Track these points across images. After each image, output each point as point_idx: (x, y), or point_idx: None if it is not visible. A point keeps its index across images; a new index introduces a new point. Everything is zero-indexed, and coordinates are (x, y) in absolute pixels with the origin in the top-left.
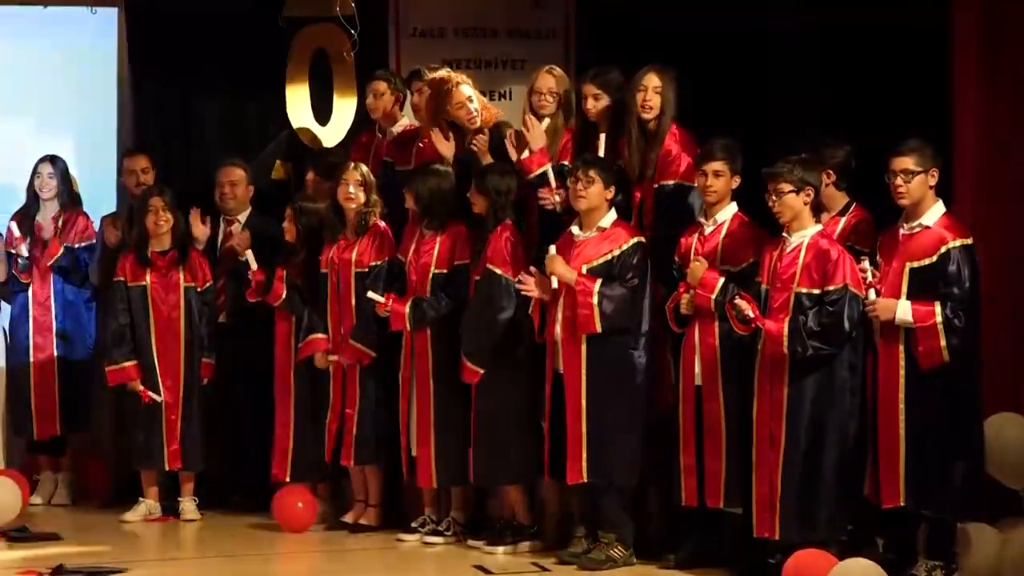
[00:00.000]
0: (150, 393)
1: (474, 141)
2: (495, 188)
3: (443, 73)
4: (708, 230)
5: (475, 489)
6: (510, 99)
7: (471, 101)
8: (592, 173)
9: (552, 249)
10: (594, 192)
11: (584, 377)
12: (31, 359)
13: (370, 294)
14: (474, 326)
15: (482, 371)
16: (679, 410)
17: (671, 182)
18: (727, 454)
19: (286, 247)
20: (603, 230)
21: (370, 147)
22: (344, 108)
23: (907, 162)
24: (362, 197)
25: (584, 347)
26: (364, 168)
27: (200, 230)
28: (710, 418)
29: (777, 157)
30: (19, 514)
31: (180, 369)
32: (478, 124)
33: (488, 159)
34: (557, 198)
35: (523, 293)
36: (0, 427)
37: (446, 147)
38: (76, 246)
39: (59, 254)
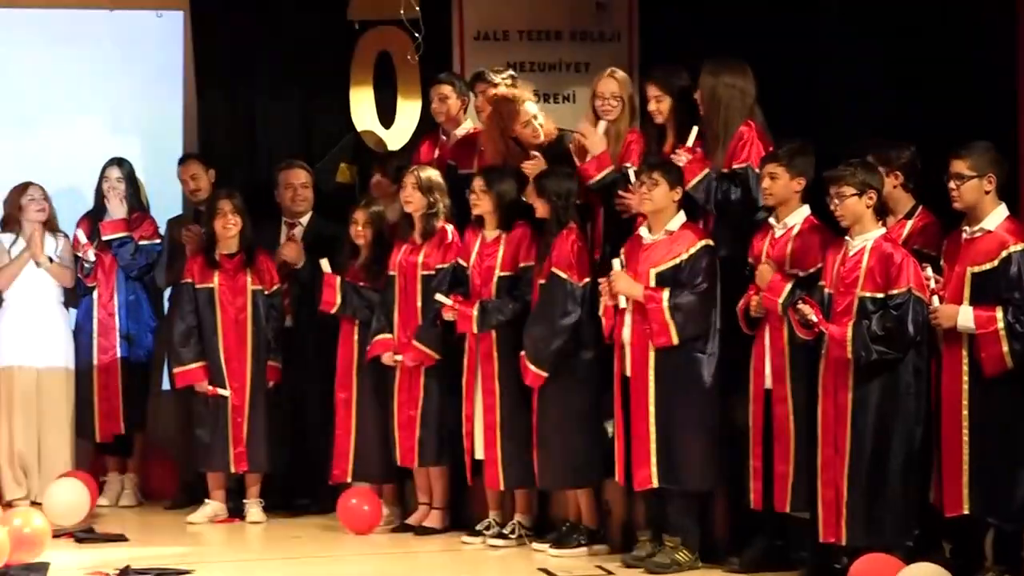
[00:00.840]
0: (218, 389)
1: (527, 167)
2: (555, 192)
3: (506, 91)
4: (778, 233)
5: (539, 492)
6: (574, 102)
7: (536, 118)
8: (656, 175)
9: (616, 264)
10: (659, 194)
11: (652, 381)
12: (95, 361)
13: (438, 296)
14: (538, 330)
15: (545, 375)
16: (748, 413)
17: (742, 165)
18: (795, 458)
19: (349, 249)
20: (671, 233)
21: (434, 150)
22: (408, 111)
23: (961, 166)
24: (420, 200)
25: (652, 351)
26: (426, 171)
27: (294, 252)
28: (779, 422)
29: (843, 159)
30: (87, 515)
31: (246, 371)
32: (542, 140)
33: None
34: (635, 198)
35: (601, 297)
36: (69, 429)
37: (599, 142)
38: (144, 244)
39: (126, 248)
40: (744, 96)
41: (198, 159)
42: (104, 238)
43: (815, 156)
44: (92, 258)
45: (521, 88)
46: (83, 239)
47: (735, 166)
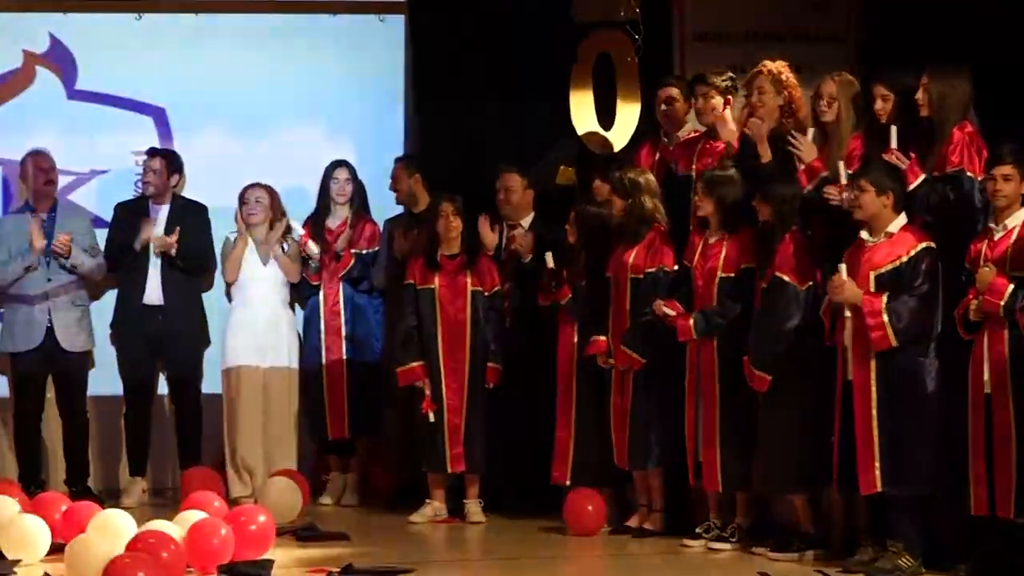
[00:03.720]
0: (430, 407)
1: (750, 124)
2: (779, 196)
3: (767, 63)
4: (998, 235)
5: (759, 495)
6: None
7: (760, 92)
8: (863, 182)
9: (843, 270)
10: (866, 200)
11: (874, 386)
12: (322, 361)
13: (661, 305)
14: (762, 335)
15: (769, 379)
16: (968, 418)
17: (955, 168)
18: (1019, 464)
19: (569, 251)
20: (891, 235)
21: (654, 152)
22: (628, 113)
23: None
24: (618, 202)
25: (874, 355)
26: (630, 174)
27: (489, 237)
28: (1000, 427)
29: None
30: (299, 513)
31: (465, 372)
32: (755, 116)
33: (764, 147)
34: (845, 194)
35: (831, 295)
36: (293, 429)
37: (810, 150)
38: (364, 252)
39: (350, 265)
40: (961, 99)
41: (401, 162)
42: (340, 276)
43: None
44: (316, 251)
45: (784, 69)
46: (301, 233)
47: (948, 170)
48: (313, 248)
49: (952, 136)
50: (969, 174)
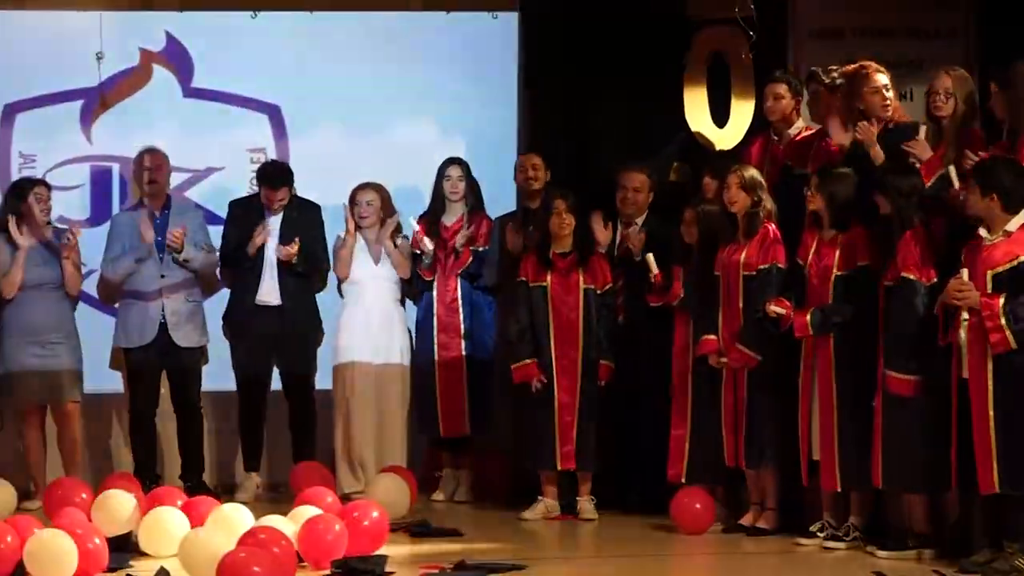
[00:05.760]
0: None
1: (859, 128)
2: (899, 189)
3: (871, 63)
4: None
5: (875, 494)
6: (910, 100)
7: (887, 89)
8: (971, 181)
9: (965, 274)
10: (971, 200)
11: (991, 384)
12: (436, 358)
13: (772, 307)
14: (897, 336)
15: (913, 379)
16: None
17: None
18: None
19: (682, 249)
20: (1009, 234)
21: (764, 150)
22: (742, 110)
23: None
24: (744, 199)
25: (990, 355)
26: (748, 171)
27: (603, 234)
28: None
29: None
30: (408, 509)
31: (577, 369)
32: (890, 114)
33: (877, 150)
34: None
35: (958, 302)
36: (404, 426)
37: (924, 149)
38: (480, 249)
39: (469, 262)
40: None
41: (541, 155)
42: (458, 272)
43: None
44: (430, 247)
45: (877, 64)
46: (416, 227)
47: None
48: (428, 244)
49: None
50: None
